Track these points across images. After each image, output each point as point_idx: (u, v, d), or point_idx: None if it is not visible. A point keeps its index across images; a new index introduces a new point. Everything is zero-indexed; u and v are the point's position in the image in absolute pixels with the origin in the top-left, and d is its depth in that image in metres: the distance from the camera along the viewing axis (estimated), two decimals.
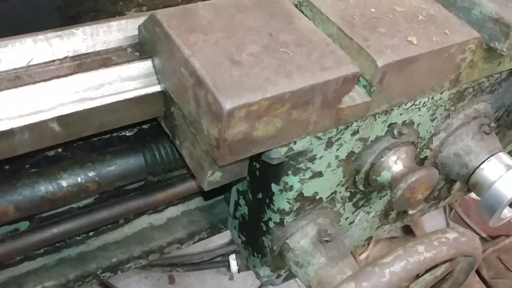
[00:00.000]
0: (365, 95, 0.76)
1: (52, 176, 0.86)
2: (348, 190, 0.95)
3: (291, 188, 0.85)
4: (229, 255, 2.22)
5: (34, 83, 0.74)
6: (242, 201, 1.00)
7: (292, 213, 0.90)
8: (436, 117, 0.94)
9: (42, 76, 0.78)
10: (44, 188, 0.85)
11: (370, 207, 1.04)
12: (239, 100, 0.63)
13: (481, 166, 0.97)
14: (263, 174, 0.89)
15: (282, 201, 0.88)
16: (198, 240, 1.21)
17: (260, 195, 0.92)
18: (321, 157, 0.83)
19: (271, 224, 0.92)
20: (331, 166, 0.86)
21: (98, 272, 1.09)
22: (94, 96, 0.75)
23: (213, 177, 0.77)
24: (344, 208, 0.99)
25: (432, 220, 2.67)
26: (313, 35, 0.75)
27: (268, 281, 1.05)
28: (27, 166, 0.91)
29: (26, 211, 0.85)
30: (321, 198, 0.91)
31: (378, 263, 0.77)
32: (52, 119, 0.73)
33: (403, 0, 0.85)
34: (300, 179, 0.84)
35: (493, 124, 0.99)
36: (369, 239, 1.16)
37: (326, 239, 0.90)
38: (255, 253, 1.01)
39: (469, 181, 0.99)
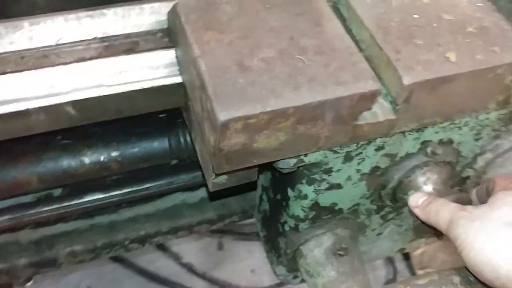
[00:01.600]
0: (390, 112, 0.70)
1: (76, 152, 0.88)
2: (374, 203, 0.89)
3: (305, 196, 0.81)
4: None
5: (52, 65, 0.74)
6: (264, 197, 0.97)
7: (307, 220, 0.86)
8: (481, 137, 0.85)
9: (68, 57, 0.78)
10: (67, 163, 0.87)
11: (402, 220, 0.98)
12: (235, 112, 0.60)
13: None
14: (281, 176, 0.86)
15: (297, 208, 0.84)
16: (229, 223, 1.21)
17: (279, 196, 0.89)
18: (338, 170, 0.78)
19: (286, 227, 0.89)
20: (352, 179, 0.81)
21: (125, 243, 1.13)
22: (112, 84, 0.75)
23: (218, 180, 0.75)
24: (370, 220, 0.93)
25: None
26: (338, 41, 0.69)
27: (285, 280, 1.03)
28: (58, 137, 0.93)
29: (49, 183, 0.88)
30: (341, 209, 0.86)
31: (410, 283, 0.73)
32: (67, 103, 0.73)
33: (456, 6, 0.76)
34: (315, 189, 0.80)
35: None
36: (402, 250, 1.10)
37: (340, 252, 0.86)
38: (273, 251, 0.99)
39: None
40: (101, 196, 1.02)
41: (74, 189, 1.04)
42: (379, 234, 0.99)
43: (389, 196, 0.86)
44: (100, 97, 0.74)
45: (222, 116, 0.59)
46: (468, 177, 0.93)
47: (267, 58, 0.65)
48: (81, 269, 1.90)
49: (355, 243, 0.91)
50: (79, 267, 1.89)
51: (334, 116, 0.65)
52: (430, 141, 0.80)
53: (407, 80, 0.66)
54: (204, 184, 1.17)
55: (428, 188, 0.81)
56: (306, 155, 0.72)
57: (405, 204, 0.86)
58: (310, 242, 0.88)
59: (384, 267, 2.07)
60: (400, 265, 2.08)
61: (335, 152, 0.74)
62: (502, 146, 0.88)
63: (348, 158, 0.76)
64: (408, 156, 0.81)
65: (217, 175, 0.74)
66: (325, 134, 0.68)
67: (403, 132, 0.76)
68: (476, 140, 0.85)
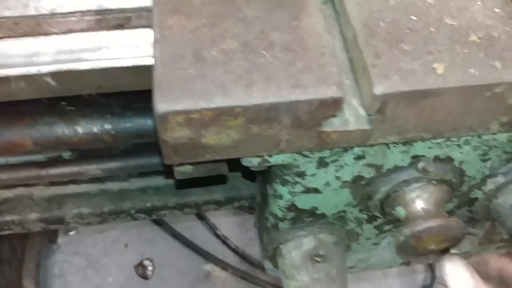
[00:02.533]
0: (364, 122, 0.63)
1: (71, 121, 0.89)
2: (364, 212, 0.83)
3: (280, 196, 0.77)
4: None
5: (40, 35, 0.75)
6: (257, 188, 0.94)
7: (286, 220, 0.82)
8: (490, 158, 0.76)
9: (59, 27, 0.78)
10: (61, 130, 0.88)
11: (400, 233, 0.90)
12: (174, 106, 0.57)
13: None
14: (264, 171, 0.82)
15: (275, 207, 0.80)
16: (238, 207, 1.19)
17: (264, 191, 0.85)
18: (313, 175, 0.72)
19: (268, 224, 0.86)
20: (332, 186, 0.75)
21: (131, 211, 1.14)
22: (90, 58, 0.74)
23: (183, 168, 0.72)
24: (361, 228, 0.87)
25: None
26: (312, 39, 0.63)
27: (274, 275, 1.00)
28: (63, 103, 0.95)
29: (44, 147, 0.90)
30: (324, 213, 0.81)
31: None
32: (46, 74, 0.74)
33: (465, 10, 0.66)
34: (289, 190, 0.75)
35: None
36: (408, 263, 1.02)
37: (317, 259, 0.81)
38: (261, 244, 0.96)
39: None
40: (107, 165, 1.04)
41: (84, 154, 1.06)
42: (376, 244, 0.92)
43: (377, 208, 0.79)
44: (79, 71, 0.74)
45: (160, 108, 0.56)
46: (476, 199, 0.83)
47: (228, 50, 0.61)
48: (121, 226, 1.98)
49: (340, 251, 0.85)
50: (118, 224, 1.98)
51: (293, 120, 0.60)
52: (422, 156, 0.72)
53: (378, 90, 0.59)
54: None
55: (416, 207, 0.74)
56: (271, 156, 0.68)
57: (395, 218, 0.80)
58: (290, 242, 0.84)
59: (424, 272, 1.96)
60: (441, 272, 1.96)
61: (305, 156, 0.69)
62: None
63: (322, 163, 0.70)
64: (397, 169, 0.74)
65: (180, 163, 0.71)
66: (286, 138, 0.63)
67: (387, 144, 0.69)
68: (484, 161, 0.76)
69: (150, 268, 1.91)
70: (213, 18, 0.64)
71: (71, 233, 1.93)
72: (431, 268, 1.94)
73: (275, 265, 0.93)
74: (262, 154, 0.66)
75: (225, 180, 0.94)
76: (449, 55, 0.62)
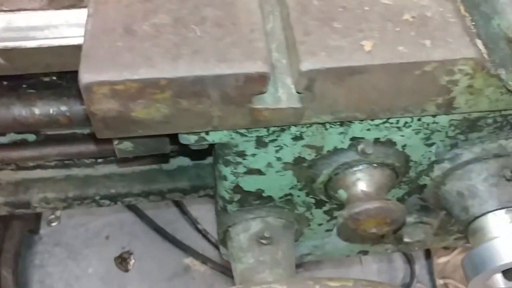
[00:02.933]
0: (296, 100, 0.63)
1: (28, 101, 0.90)
2: (311, 196, 0.83)
3: (225, 177, 0.77)
4: None
5: None
6: (212, 171, 0.94)
7: (233, 203, 0.82)
8: (434, 143, 0.75)
9: (10, 5, 0.79)
10: (18, 111, 0.89)
11: None
12: (99, 76, 0.57)
13: (484, 216, 0.76)
14: (213, 154, 0.82)
15: (221, 188, 0.80)
16: (204, 196, 1.19)
17: (215, 173, 0.86)
18: (254, 155, 0.73)
19: (218, 207, 0.86)
20: (274, 167, 0.75)
21: (96, 198, 1.15)
22: (37, 37, 0.75)
23: (122, 146, 0.73)
24: (311, 213, 0.87)
25: None
26: (244, 15, 0.63)
27: (228, 259, 1.00)
28: (24, 86, 0.96)
29: (1, 127, 0.91)
30: (270, 196, 0.81)
31: (321, 283, 0.68)
32: None
33: None
34: (232, 171, 0.75)
35: None
36: (364, 252, 1.02)
37: (263, 241, 0.81)
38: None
39: (468, 228, 0.79)
40: (68, 149, 1.05)
41: (49, 138, 1.07)
42: (329, 230, 0.92)
43: (321, 191, 0.80)
44: (26, 49, 0.75)
45: (84, 78, 0.57)
46: (425, 186, 0.83)
47: (159, 24, 0.61)
48: (103, 218, 1.99)
49: (288, 235, 0.85)
50: (101, 216, 1.99)
51: (221, 95, 0.61)
52: (362, 138, 0.72)
53: (304, 66, 0.59)
54: (181, 153, 1.16)
55: (357, 189, 0.74)
56: (208, 133, 0.68)
57: (340, 202, 0.80)
58: (238, 225, 0.85)
59: (403, 270, 1.95)
60: (421, 270, 1.96)
61: (243, 135, 0.69)
62: (461, 156, 0.78)
63: (261, 143, 0.71)
64: (337, 151, 0.74)
65: (120, 141, 0.72)
66: (218, 114, 0.63)
67: (324, 124, 0.69)
68: (428, 146, 0.76)
69: (130, 260, 1.91)
70: None
71: (53, 224, 1.94)
72: (411, 265, 1.93)
73: (227, 249, 0.93)
74: (197, 131, 0.67)
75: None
76: (379, 33, 0.62)
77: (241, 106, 0.62)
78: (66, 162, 1.14)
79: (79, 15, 0.77)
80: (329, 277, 0.66)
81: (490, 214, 0.76)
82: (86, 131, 1.07)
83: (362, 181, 0.74)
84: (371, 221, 0.72)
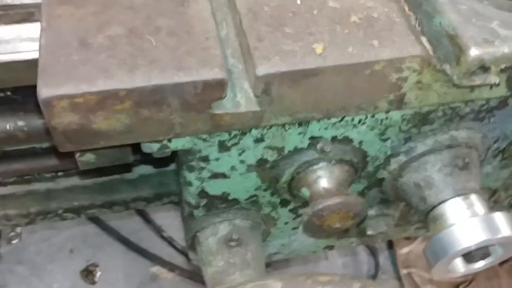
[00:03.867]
0: (254, 104, 0.65)
1: None
2: (276, 196, 0.85)
3: (190, 183, 0.78)
4: None
5: None
6: (176, 178, 0.95)
7: (200, 208, 0.83)
8: (389, 137, 0.79)
9: None
10: None
11: None
12: (57, 90, 0.57)
13: (442, 205, 0.80)
14: (176, 161, 0.83)
15: (187, 194, 0.81)
16: (168, 203, 1.19)
17: (179, 179, 0.86)
18: (217, 159, 0.74)
19: (185, 213, 0.87)
20: (238, 170, 0.77)
21: (59, 211, 1.13)
22: None
23: (85, 158, 0.73)
24: (277, 213, 0.89)
25: None
26: (197, 24, 0.64)
27: (198, 265, 1.01)
28: None
29: None
30: (236, 199, 0.83)
31: (313, 277, 0.69)
32: None
33: None
34: (197, 176, 0.76)
35: (467, 160, 0.80)
36: (330, 247, 1.05)
37: (232, 244, 0.83)
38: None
39: (427, 217, 0.82)
40: (27, 165, 1.03)
41: (7, 154, 1.06)
42: (295, 228, 0.95)
43: (285, 191, 0.82)
44: None
45: (43, 93, 0.57)
46: (383, 179, 0.86)
47: (113, 36, 0.62)
48: (65, 231, 1.96)
49: (256, 235, 0.87)
50: (63, 229, 1.96)
51: (181, 103, 0.62)
52: (320, 137, 0.75)
53: (260, 71, 0.61)
54: (144, 161, 1.16)
55: (318, 187, 0.77)
56: (170, 140, 0.69)
57: (303, 200, 0.82)
58: (207, 230, 0.86)
59: (367, 262, 2.00)
60: (385, 262, 2.01)
61: (205, 140, 0.70)
62: (415, 149, 0.81)
63: (223, 147, 0.72)
64: (298, 151, 0.76)
65: (82, 153, 0.72)
66: (179, 121, 0.64)
67: (283, 126, 0.71)
68: (383, 140, 0.79)
69: (96, 273, 1.89)
70: (101, 7, 0.65)
71: (14, 241, 1.90)
72: (375, 258, 1.98)
73: (196, 254, 0.94)
74: (159, 139, 0.68)
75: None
76: (329, 36, 0.64)
77: (201, 112, 0.64)
78: (26, 177, 1.13)
79: (31, 29, 0.77)
80: (318, 272, 0.68)
81: (447, 203, 0.79)
82: (45, 145, 1.05)
83: (323, 178, 0.77)
84: (335, 216, 0.75)
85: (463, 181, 0.80)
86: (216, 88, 0.61)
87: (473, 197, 0.79)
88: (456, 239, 0.75)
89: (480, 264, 0.79)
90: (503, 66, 0.65)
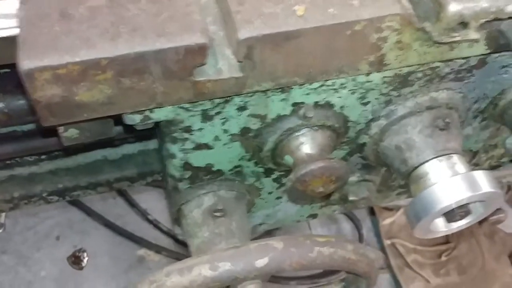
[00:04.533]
0: (237, 70, 0.65)
1: None
2: (260, 166, 0.85)
3: (173, 156, 0.78)
4: None
5: None
6: (159, 153, 0.95)
7: (184, 180, 0.83)
8: (369, 101, 0.80)
9: None
10: None
11: None
12: (39, 62, 0.57)
13: (423, 165, 0.81)
14: (158, 134, 0.83)
15: (171, 167, 0.81)
16: (152, 182, 1.20)
17: (162, 153, 0.87)
18: (200, 129, 0.74)
19: (169, 187, 0.87)
20: (222, 140, 0.77)
21: (44, 194, 1.13)
22: None
23: (68, 133, 0.72)
24: (261, 183, 0.90)
25: None
26: None
27: (184, 239, 1.01)
28: None
29: None
30: (220, 170, 0.83)
31: (311, 238, 0.71)
32: None
33: None
34: (180, 148, 0.77)
35: (447, 120, 0.82)
36: (314, 216, 1.06)
37: (217, 214, 0.83)
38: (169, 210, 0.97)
39: (409, 179, 0.84)
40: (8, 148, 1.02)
41: None
42: (279, 198, 0.96)
43: (269, 159, 0.82)
44: None
45: (24, 65, 0.57)
46: (365, 144, 0.88)
47: (94, 6, 0.62)
48: (50, 219, 1.95)
49: (241, 206, 0.88)
50: (48, 217, 1.95)
51: (163, 70, 0.62)
52: (302, 103, 0.75)
53: (242, 34, 0.61)
54: (126, 140, 1.16)
55: (301, 153, 0.78)
56: (152, 111, 0.69)
57: (287, 168, 0.83)
58: (191, 202, 0.86)
59: (351, 235, 2.03)
60: (369, 233, 2.04)
61: (188, 110, 0.70)
62: (396, 112, 0.82)
63: (207, 117, 0.72)
64: (281, 118, 0.77)
65: (65, 128, 0.71)
66: (161, 90, 0.64)
67: (265, 92, 0.72)
68: (364, 104, 0.80)
69: (83, 258, 1.89)
70: None
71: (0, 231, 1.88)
72: (358, 230, 2.01)
73: (182, 227, 0.94)
74: (141, 110, 0.68)
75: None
76: None
77: (183, 80, 0.64)
78: (8, 162, 1.12)
79: (4, 6, 0.75)
80: (316, 234, 0.70)
81: (427, 163, 0.81)
82: (27, 127, 1.05)
83: (306, 145, 0.78)
84: (317, 181, 0.76)
85: (443, 142, 0.82)
86: (198, 53, 0.62)
87: (454, 157, 0.81)
88: (437, 198, 0.76)
89: (461, 223, 0.81)
90: (482, 21, 0.66)
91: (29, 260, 1.88)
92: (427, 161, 0.81)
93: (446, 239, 2.18)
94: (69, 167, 1.15)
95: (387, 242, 2.12)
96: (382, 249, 2.11)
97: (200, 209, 0.85)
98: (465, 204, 0.78)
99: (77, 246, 1.92)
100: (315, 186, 0.76)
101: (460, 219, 0.80)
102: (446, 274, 2.11)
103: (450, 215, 0.78)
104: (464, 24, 0.66)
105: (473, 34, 0.67)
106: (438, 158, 0.81)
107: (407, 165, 0.82)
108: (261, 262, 0.64)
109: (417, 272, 2.08)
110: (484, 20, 0.66)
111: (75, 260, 1.93)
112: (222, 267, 0.63)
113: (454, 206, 0.76)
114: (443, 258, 2.13)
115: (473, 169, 0.80)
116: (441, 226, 0.82)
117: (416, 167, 0.82)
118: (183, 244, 1.93)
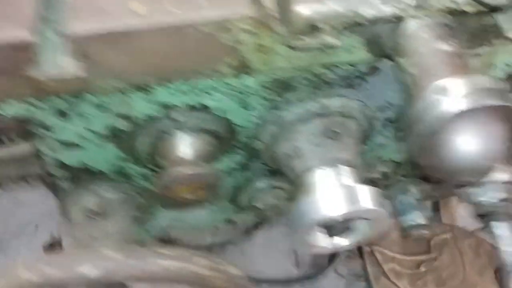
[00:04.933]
0: (75, 67, 0.62)
1: None
2: (144, 167, 0.82)
3: (43, 154, 0.76)
4: None
5: None
6: None
7: (66, 180, 0.81)
8: (252, 106, 0.75)
9: None
10: None
11: None
12: None
13: (306, 174, 0.76)
14: None
15: (48, 166, 0.79)
16: None
17: None
18: (59, 127, 0.71)
19: (59, 188, 0.85)
20: (90, 139, 0.74)
21: None
22: None
23: None
24: (151, 184, 0.86)
25: None
26: None
27: None
28: None
29: None
30: (100, 170, 0.80)
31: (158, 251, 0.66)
32: None
33: None
34: (47, 146, 0.74)
35: (337, 130, 0.76)
36: (231, 221, 1.02)
37: (92, 216, 0.81)
38: None
39: (295, 188, 0.79)
40: None
41: None
42: None
43: (149, 162, 0.79)
44: None
45: None
46: (260, 149, 0.83)
47: None
48: (30, 208, 1.95)
49: (126, 208, 0.84)
50: (28, 206, 1.95)
51: None
52: (172, 104, 0.71)
53: (74, 33, 0.58)
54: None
55: (175, 157, 0.74)
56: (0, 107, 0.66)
57: None
58: (73, 202, 0.83)
59: None
60: None
61: (37, 106, 0.67)
62: (283, 118, 0.77)
63: (61, 114, 0.69)
64: (152, 119, 0.73)
65: None
66: None
67: (123, 92, 0.68)
68: (246, 108, 0.75)
69: (60, 245, 1.89)
70: None
71: None
72: None
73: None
74: None
75: None
76: None
77: (16, 76, 0.61)
78: None
79: None
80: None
81: (311, 172, 0.76)
82: None
83: (178, 149, 0.74)
84: (183, 188, 0.72)
85: (331, 151, 0.76)
86: (25, 50, 0.58)
87: (341, 168, 0.76)
88: (312, 209, 0.71)
89: (344, 241, 0.75)
90: (337, 26, 0.60)
91: (8, 248, 1.89)
92: (311, 170, 0.76)
93: (428, 249, 2.09)
94: None
95: (366, 249, 2.05)
96: (361, 256, 2.04)
97: (79, 209, 0.82)
98: (348, 220, 0.73)
99: (54, 234, 1.93)
100: (182, 192, 0.72)
101: (342, 236, 0.74)
102: (423, 285, 2.02)
103: (331, 229, 0.73)
104: (317, 28, 0.60)
105: (329, 39, 0.61)
106: (323, 168, 0.75)
107: (294, 172, 0.78)
108: (88, 270, 0.61)
109: (393, 282, 2.00)
110: (340, 25, 0.60)
111: (52, 248, 1.93)
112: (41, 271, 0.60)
113: (329, 219, 0.71)
114: (422, 269, 2.04)
115: (361, 184, 0.74)
116: (322, 240, 0.76)
117: (300, 175, 0.77)
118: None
